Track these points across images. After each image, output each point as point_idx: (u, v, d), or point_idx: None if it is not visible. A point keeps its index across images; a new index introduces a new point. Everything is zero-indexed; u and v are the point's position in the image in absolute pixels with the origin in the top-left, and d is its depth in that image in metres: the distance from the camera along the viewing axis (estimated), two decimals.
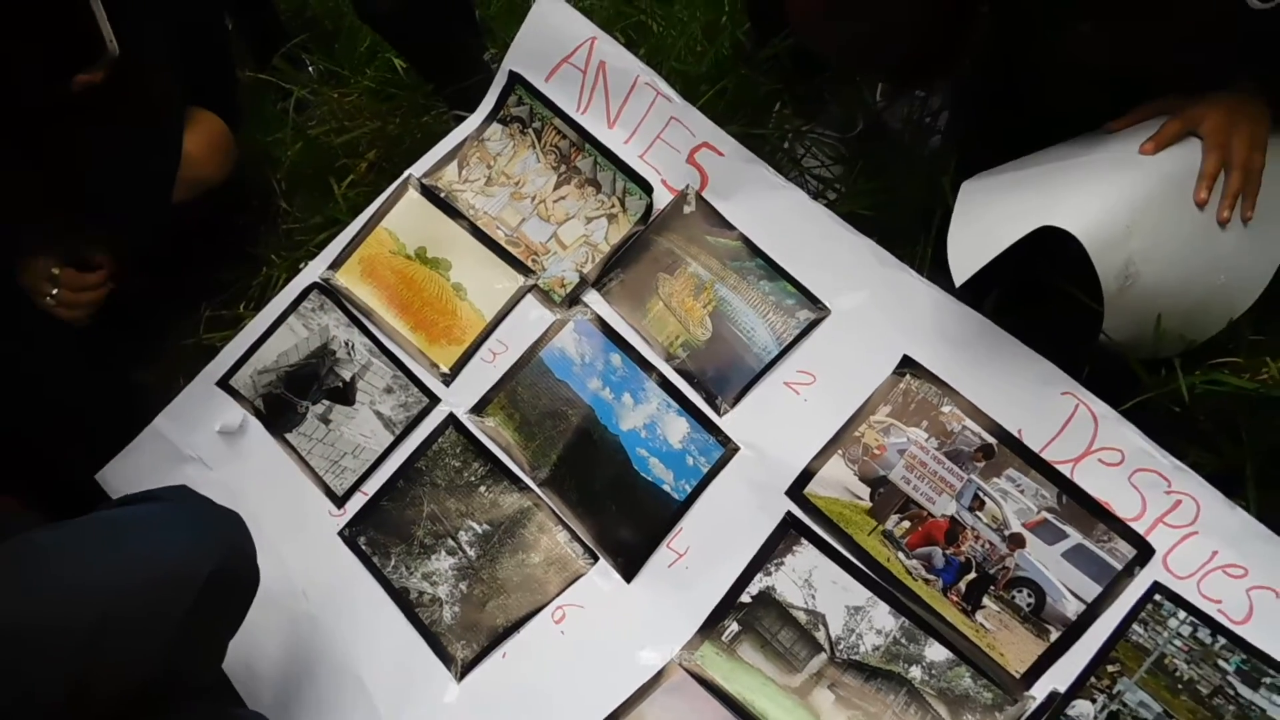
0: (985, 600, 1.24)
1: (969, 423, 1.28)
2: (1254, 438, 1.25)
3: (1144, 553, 1.18)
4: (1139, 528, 1.19)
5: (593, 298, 1.53)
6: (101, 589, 1.08)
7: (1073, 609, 1.20)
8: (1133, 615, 1.18)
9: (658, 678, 1.32)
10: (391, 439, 1.54)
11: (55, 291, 1.53)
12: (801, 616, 1.30)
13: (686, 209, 1.51)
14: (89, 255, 1.55)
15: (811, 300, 1.42)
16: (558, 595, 1.40)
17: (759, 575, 1.33)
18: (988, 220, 1.23)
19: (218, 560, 1.16)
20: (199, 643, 1.21)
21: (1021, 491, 1.24)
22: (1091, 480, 1.22)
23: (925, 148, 1.71)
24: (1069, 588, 1.21)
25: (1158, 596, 1.17)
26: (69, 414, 1.59)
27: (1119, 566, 1.19)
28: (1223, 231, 1.15)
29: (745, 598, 1.33)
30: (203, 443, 1.59)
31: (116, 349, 1.78)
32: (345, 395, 1.58)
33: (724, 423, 1.41)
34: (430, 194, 1.64)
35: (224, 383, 1.62)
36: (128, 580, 1.09)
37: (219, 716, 1.35)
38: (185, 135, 1.65)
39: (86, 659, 1.06)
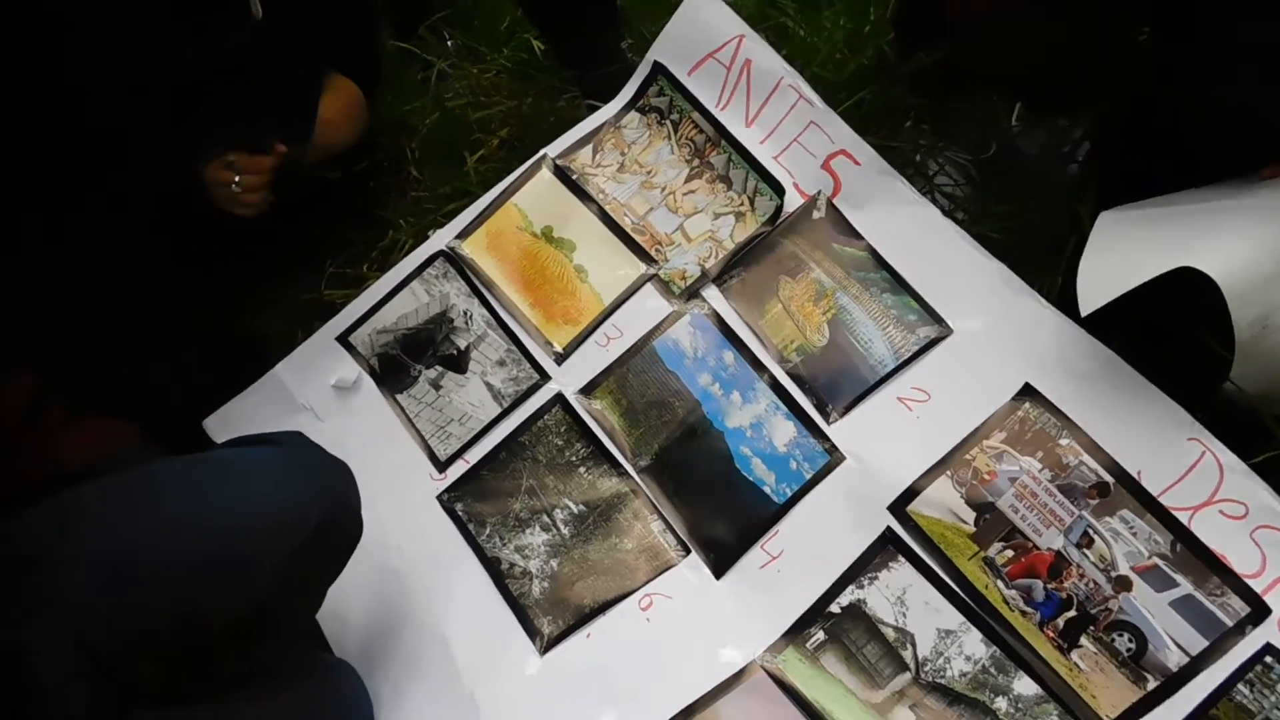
0: (1083, 640, 1.21)
1: (1086, 458, 1.26)
2: None
3: (1259, 611, 1.15)
4: (1256, 585, 1.16)
5: (712, 293, 1.53)
6: (211, 528, 1.10)
7: (1175, 660, 1.17)
8: (1239, 675, 1.14)
9: (737, 676, 1.32)
10: (499, 411, 1.56)
11: (237, 179, 1.57)
12: (890, 633, 1.29)
13: (816, 214, 1.51)
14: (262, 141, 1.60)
15: (934, 318, 1.41)
16: (647, 583, 1.41)
17: (851, 587, 1.32)
18: (1123, 253, 1.20)
19: (326, 511, 1.18)
20: (298, 590, 1.24)
21: (1134, 534, 1.22)
22: (1210, 531, 1.19)
23: (1062, 176, 1.67)
24: (1173, 638, 1.18)
25: (1269, 659, 1.14)
26: (186, 356, 1.64)
27: (1230, 623, 1.16)
28: None
29: (834, 608, 1.32)
30: (316, 394, 1.63)
31: (238, 296, 1.84)
32: (458, 363, 1.61)
33: (832, 431, 1.40)
34: (563, 175, 1.67)
35: (343, 338, 1.67)
36: (237, 522, 1.12)
37: (308, 660, 1.39)
38: (321, 100, 1.70)
39: (189, 594, 1.09)
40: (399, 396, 1.62)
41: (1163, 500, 1.21)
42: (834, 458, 1.39)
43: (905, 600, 1.30)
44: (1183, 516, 1.20)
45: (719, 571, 1.39)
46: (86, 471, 1.15)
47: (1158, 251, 1.15)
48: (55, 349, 1.39)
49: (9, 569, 1.03)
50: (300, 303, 1.86)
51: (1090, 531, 1.24)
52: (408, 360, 1.63)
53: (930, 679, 1.26)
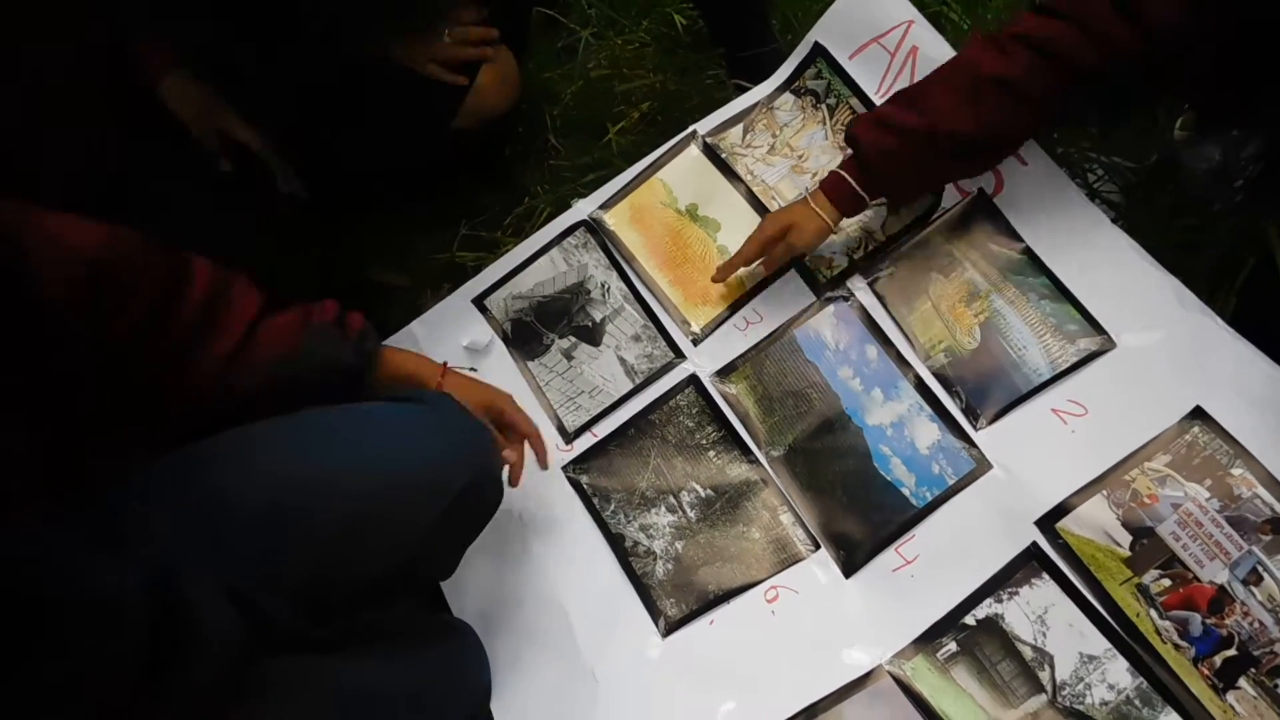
0: (1241, 682, 1.15)
1: (1261, 490, 1.19)
2: None
3: None
4: None
5: (859, 285, 1.49)
6: (359, 486, 1.10)
7: None
8: None
9: (863, 679, 1.28)
10: (630, 386, 1.54)
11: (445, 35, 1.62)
12: (1027, 652, 1.24)
13: (975, 212, 1.45)
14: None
15: (1096, 329, 1.34)
16: (773, 575, 1.38)
17: (989, 600, 1.27)
18: None
19: (471, 475, 1.18)
20: (439, 550, 1.24)
21: None
22: None
23: (1230, 192, 1.59)
24: None
25: None
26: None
27: None
28: None
29: (970, 620, 1.27)
30: (449, 354, 1.60)
31: (364, 247, 1.84)
32: (593, 335, 1.59)
33: (979, 437, 1.35)
34: (711, 153, 1.63)
35: (479, 301, 1.65)
36: (386, 481, 1.11)
37: (434, 621, 1.39)
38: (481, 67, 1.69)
39: (335, 550, 1.09)
40: (530, 364, 1.60)
41: None
42: (980, 465, 1.34)
43: (1046, 620, 1.24)
44: None
45: (849, 570, 1.35)
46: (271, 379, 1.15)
47: None
48: None
49: (168, 505, 1.03)
50: (431, 261, 1.86)
51: (1260, 569, 1.17)
52: (541, 328, 1.61)
53: (1068, 704, 1.21)
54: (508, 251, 1.68)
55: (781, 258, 1.45)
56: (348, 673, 1.12)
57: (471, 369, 1.48)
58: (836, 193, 1.37)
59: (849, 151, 1.36)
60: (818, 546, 1.38)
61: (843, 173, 1.36)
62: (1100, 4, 1.18)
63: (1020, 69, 1.22)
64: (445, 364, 1.33)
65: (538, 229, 1.70)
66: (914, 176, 1.37)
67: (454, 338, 1.63)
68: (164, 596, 0.90)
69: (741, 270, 1.50)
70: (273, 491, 1.07)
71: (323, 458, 1.11)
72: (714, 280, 1.50)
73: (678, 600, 1.39)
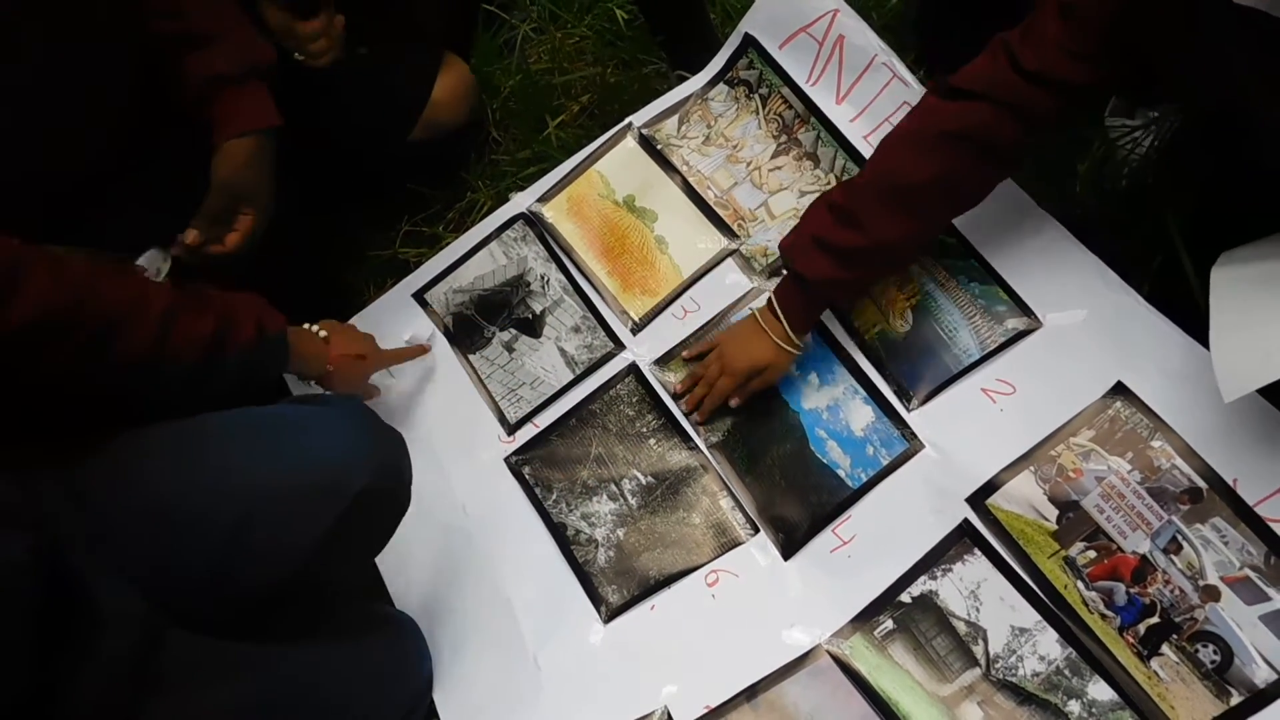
0: (1164, 648, 1.16)
1: (1179, 462, 1.21)
2: None
3: None
4: None
5: None
6: (253, 486, 1.08)
7: (1262, 676, 1.12)
8: None
9: (803, 659, 1.29)
10: (571, 377, 1.53)
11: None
12: (961, 627, 1.25)
13: None
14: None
15: (1024, 310, 1.36)
16: (713, 559, 1.38)
17: (923, 577, 1.28)
18: (1261, 326, 1.06)
19: (372, 476, 1.14)
20: (342, 554, 1.19)
21: (1226, 543, 1.17)
22: None
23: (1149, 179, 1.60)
24: (1262, 653, 1.13)
25: None
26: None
27: None
28: None
29: (905, 597, 1.28)
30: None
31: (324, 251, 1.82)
32: (533, 327, 1.58)
33: (911, 418, 1.36)
34: (647, 144, 1.63)
35: (419, 296, 1.64)
36: (280, 482, 1.09)
37: (370, 612, 1.37)
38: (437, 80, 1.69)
39: (228, 551, 1.07)
40: (471, 357, 1.59)
41: (1259, 510, 1.16)
42: (913, 445, 1.34)
43: (979, 594, 1.25)
44: (1279, 528, 1.15)
45: (787, 553, 1.35)
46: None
47: None
48: None
49: (76, 500, 1.02)
50: (374, 259, 1.84)
51: (1179, 538, 1.19)
52: (482, 321, 1.61)
53: (1001, 676, 1.22)
54: (448, 246, 1.67)
55: (757, 390, 1.41)
56: (282, 660, 1.12)
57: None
58: (792, 319, 1.33)
59: (783, 273, 1.34)
60: (757, 530, 1.38)
61: (782, 304, 1.33)
62: (1011, 77, 1.14)
63: (948, 167, 1.19)
64: (326, 340, 1.38)
65: (479, 223, 1.69)
66: (863, 284, 1.40)
67: (396, 333, 1.62)
68: (53, 570, 0.89)
69: (677, 259, 1.50)
70: (167, 492, 1.07)
71: (216, 460, 1.10)
72: (699, 420, 1.45)
73: (619, 587, 1.39)
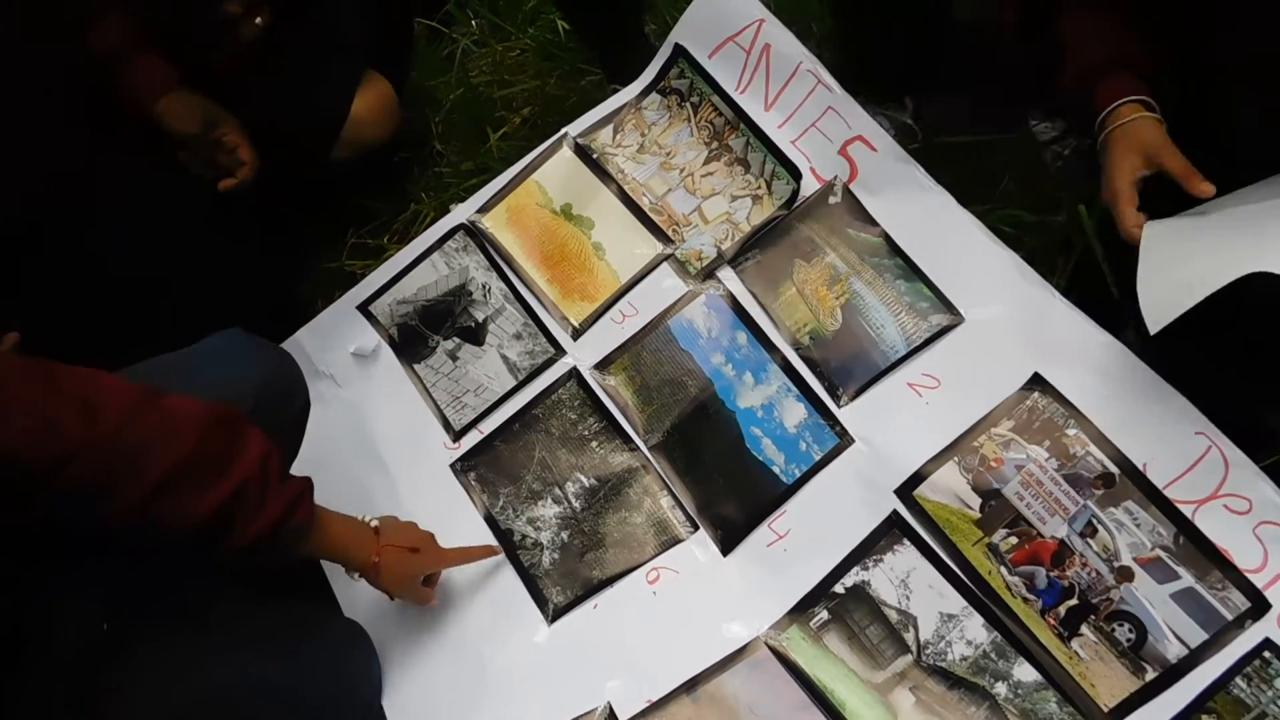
0: (1083, 628, 1.20)
1: (1093, 449, 1.25)
2: None
3: (1259, 606, 1.14)
4: (1257, 581, 1.14)
5: (727, 275, 1.52)
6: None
7: (1174, 652, 1.16)
8: (1237, 668, 1.13)
9: (741, 652, 1.31)
10: (514, 383, 1.56)
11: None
12: (893, 615, 1.28)
13: (832, 200, 1.49)
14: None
15: (947, 306, 1.39)
16: (654, 557, 1.40)
17: (856, 568, 1.31)
18: (1183, 265, 1.09)
19: (263, 378, 1.24)
20: None
21: (1138, 525, 1.20)
22: (1213, 525, 1.17)
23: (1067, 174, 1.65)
24: (1173, 630, 1.16)
25: (1267, 653, 1.12)
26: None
27: (1230, 616, 1.14)
28: None
29: (839, 588, 1.31)
30: (336, 361, 1.63)
31: (265, 260, 1.83)
32: (476, 335, 1.60)
33: (842, 414, 1.39)
34: (583, 154, 1.65)
35: (364, 308, 1.66)
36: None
37: (318, 620, 1.39)
38: (356, 96, 1.70)
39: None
40: (416, 366, 1.61)
41: (1168, 493, 1.20)
42: (843, 440, 1.37)
43: (909, 583, 1.28)
44: (1187, 510, 1.19)
45: (726, 548, 1.38)
46: None
47: (1223, 261, 1.04)
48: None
49: None
50: (322, 272, 1.86)
51: (1094, 521, 1.22)
52: (426, 331, 1.62)
53: (931, 662, 1.25)
54: (391, 258, 1.69)
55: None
56: (228, 666, 1.13)
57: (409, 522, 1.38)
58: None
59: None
60: (696, 527, 1.41)
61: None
62: None
63: None
64: (376, 530, 1.28)
65: (422, 234, 1.70)
66: None
67: (341, 345, 1.63)
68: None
69: (614, 265, 1.53)
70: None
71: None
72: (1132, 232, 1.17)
73: (564, 587, 1.41)
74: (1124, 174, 1.14)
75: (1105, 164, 1.17)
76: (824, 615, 1.30)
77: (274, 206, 1.74)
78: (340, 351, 1.62)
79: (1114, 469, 1.23)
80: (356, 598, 1.45)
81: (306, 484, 1.16)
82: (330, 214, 1.87)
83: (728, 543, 1.38)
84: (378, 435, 1.57)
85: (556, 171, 1.66)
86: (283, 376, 1.30)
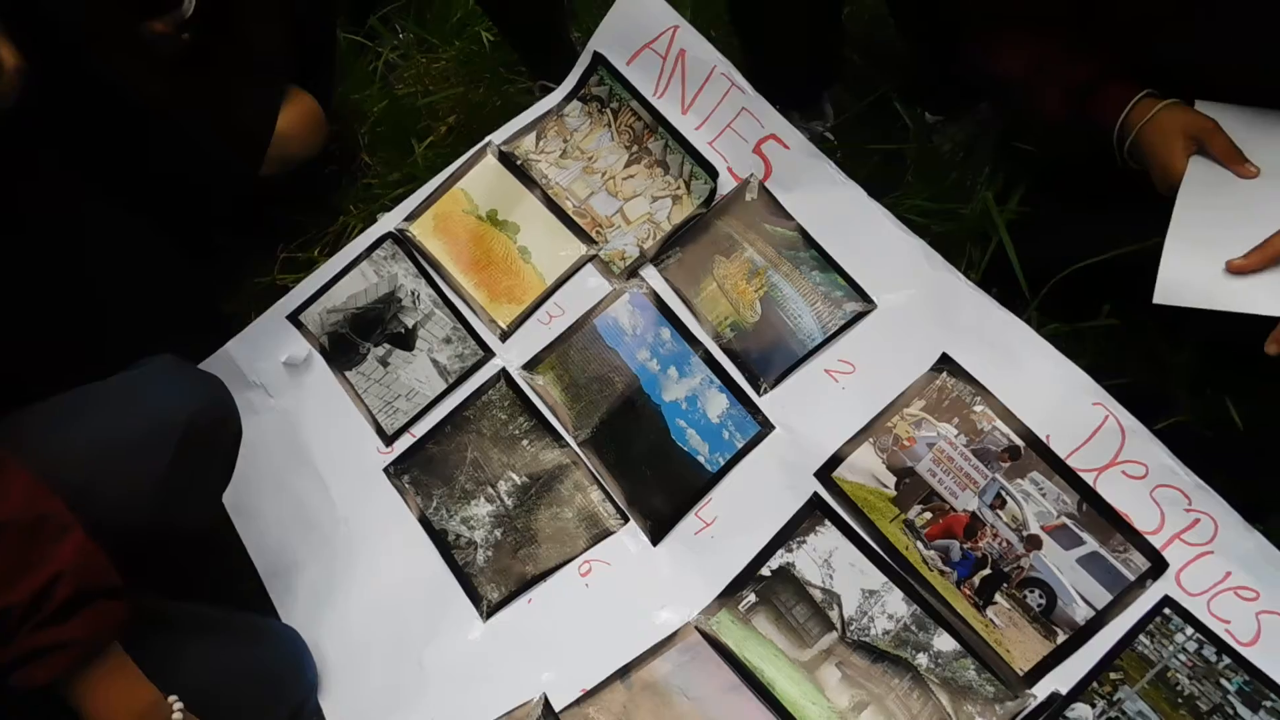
0: (997, 597, 1.24)
1: (999, 424, 1.29)
2: None
3: (1158, 566, 1.18)
4: (1155, 542, 1.19)
5: (650, 273, 1.54)
6: (89, 452, 1.14)
7: (1082, 614, 1.20)
8: (1140, 626, 1.17)
9: (673, 637, 1.33)
10: (444, 386, 1.57)
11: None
12: (817, 595, 1.31)
13: (749, 197, 1.53)
14: None
15: (859, 294, 1.42)
16: (586, 550, 1.42)
17: (781, 551, 1.34)
18: (1211, 257, 1.13)
19: (196, 407, 1.22)
20: (187, 488, 1.23)
21: (1043, 495, 1.24)
22: (1113, 491, 1.22)
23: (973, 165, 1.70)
24: (1080, 593, 1.20)
25: (1167, 610, 1.17)
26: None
27: (1132, 577, 1.19)
28: None
29: (765, 571, 1.33)
30: (268, 371, 1.63)
31: (196, 278, 1.82)
32: (406, 341, 1.61)
33: (762, 402, 1.42)
34: (507, 160, 1.67)
35: (294, 317, 1.66)
36: (112, 435, 1.16)
37: (252, 625, 1.39)
38: (280, 113, 1.70)
39: (84, 511, 1.08)
40: (348, 373, 1.61)
41: (1070, 462, 1.24)
42: (764, 428, 1.40)
43: (831, 562, 1.31)
44: (1088, 477, 1.23)
45: (656, 538, 1.40)
46: None
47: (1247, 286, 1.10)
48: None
49: None
50: (253, 286, 1.85)
51: (1003, 493, 1.26)
52: (357, 338, 1.63)
53: (855, 638, 1.28)
54: (321, 268, 1.69)
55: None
56: (173, 661, 1.13)
57: None
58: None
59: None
60: (626, 519, 1.43)
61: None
62: None
63: None
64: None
65: (351, 243, 1.71)
66: None
67: (272, 355, 1.63)
68: None
69: (540, 267, 1.56)
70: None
71: (53, 444, 1.16)
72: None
73: (498, 584, 1.42)
74: (1179, 163, 1.17)
75: (1151, 163, 1.20)
76: (751, 598, 1.33)
77: (201, 223, 1.74)
78: (271, 361, 1.62)
79: (1019, 442, 1.27)
80: (294, 604, 1.46)
81: (90, 631, 1.03)
82: (260, 229, 1.87)
83: (657, 532, 1.40)
84: (311, 442, 1.57)
85: (481, 179, 1.67)
86: (215, 404, 1.29)
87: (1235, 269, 1.10)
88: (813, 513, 1.34)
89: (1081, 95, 1.25)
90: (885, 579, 1.29)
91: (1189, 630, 1.16)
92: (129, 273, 1.54)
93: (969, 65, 1.42)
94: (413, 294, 1.63)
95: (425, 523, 1.49)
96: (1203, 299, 1.11)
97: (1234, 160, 1.16)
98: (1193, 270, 1.13)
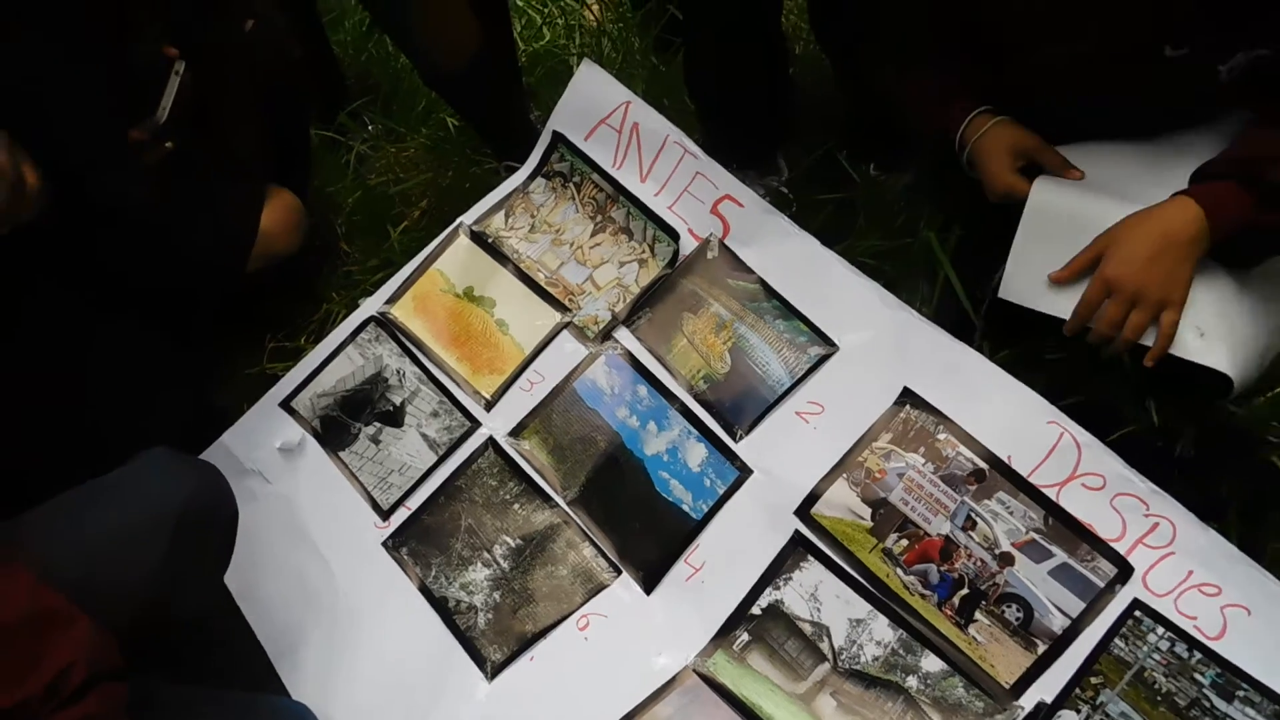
0: (977, 615, 1.28)
1: (963, 449, 1.34)
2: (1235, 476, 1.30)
3: (1124, 571, 1.23)
4: (1120, 548, 1.24)
5: (623, 334, 1.61)
6: (87, 541, 1.18)
7: (1058, 624, 1.24)
8: (1114, 630, 1.22)
9: (672, 682, 1.37)
10: (435, 459, 1.61)
11: None
12: (807, 628, 1.35)
13: (710, 255, 1.60)
14: None
15: (822, 337, 1.49)
16: (583, 605, 1.46)
17: (769, 589, 1.38)
18: (1047, 263, 1.28)
19: (189, 494, 1.26)
20: (185, 572, 1.27)
21: (1011, 513, 1.30)
22: (1076, 503, 1.27)
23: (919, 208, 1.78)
24: (1055, 604, 1.25)
25: (1138, 613, 1.22)
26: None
27: (1101, 584, 1.24)
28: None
29: (756, 610, 1.38)
30: (264, 458, 1.67)
31: (187, 375, 1.87)
32: (395, 418, 1.66)
33: (739, 448, 1.47)
34: (479, 239, 1.74)
35: (286, 404, 1.71)
36: (110, 527, 1.20)
37: (262, 704, 1.41)
38: (263, 211, 1.76)
39: (86, 603, 1.12)
40: (341, 454, 1.66)
41: (1032, 480, 1.30)
42: (743, 473, 1.45)
43: (818, 596, 1.36)
44: (1051, 493, 1.29)
45: (649, 587, 1.44)
46: None
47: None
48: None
49: None
50: (244, 378, 1.90)
51: (973, 515, 1.32)
52: (348, 419, 1.68)
53: (847, 666, 1.32)
54: (308, 355, 1.75)
55: None
56: None
57: None
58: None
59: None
60: (619, 571, 1.47)
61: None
62: None
63: None
64: None
65: (336, 329, 1.77)
66: None
67: (267, 442, 1.68)
68: None
69: (518, 338, 1.62)
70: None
71: (46, 538, 1.20)
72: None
73: (500, 645, 1.46)
74: (1001, 174, 1.32)
75: (981, 173, 1.35)
76: (745, 637, 1.37)
77: (191, 320, 1.80)
78: (267, 448, 1.67)
79: (983, 465, 1.33)
80: (303, 680, 1.48)
81: (103, 708, 1.07)
82: (247, 322, 1.93)
83: (649, 581, 1.45)
84: (310, 523, 1.61)
85: (455, 258, 1.74)
86: (208, 490, 1.33)
87: (1055, 279, 1.27)
88: (796, 550, 1.39)
89: (934, 111, 1.39)
90: (870, 607, 1.33)
91: (1160, 630, 1.20)
92: (125, 373, 1.59)
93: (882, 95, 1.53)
94: (398, 373, 1.69)
95: (425, 591, 1.52)
96: (1030, 300, 1.30)
97: (1059, 166, 1.31)
98: (1028, 275, 1.30)
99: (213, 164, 1.68)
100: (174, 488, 1.26)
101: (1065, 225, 1.27)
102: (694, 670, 1.36)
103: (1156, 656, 1.20)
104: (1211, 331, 1.18)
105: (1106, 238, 1.22)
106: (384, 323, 1.72)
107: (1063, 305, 1.26)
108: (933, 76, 1.39)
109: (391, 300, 1.74)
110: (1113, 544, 1.25)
